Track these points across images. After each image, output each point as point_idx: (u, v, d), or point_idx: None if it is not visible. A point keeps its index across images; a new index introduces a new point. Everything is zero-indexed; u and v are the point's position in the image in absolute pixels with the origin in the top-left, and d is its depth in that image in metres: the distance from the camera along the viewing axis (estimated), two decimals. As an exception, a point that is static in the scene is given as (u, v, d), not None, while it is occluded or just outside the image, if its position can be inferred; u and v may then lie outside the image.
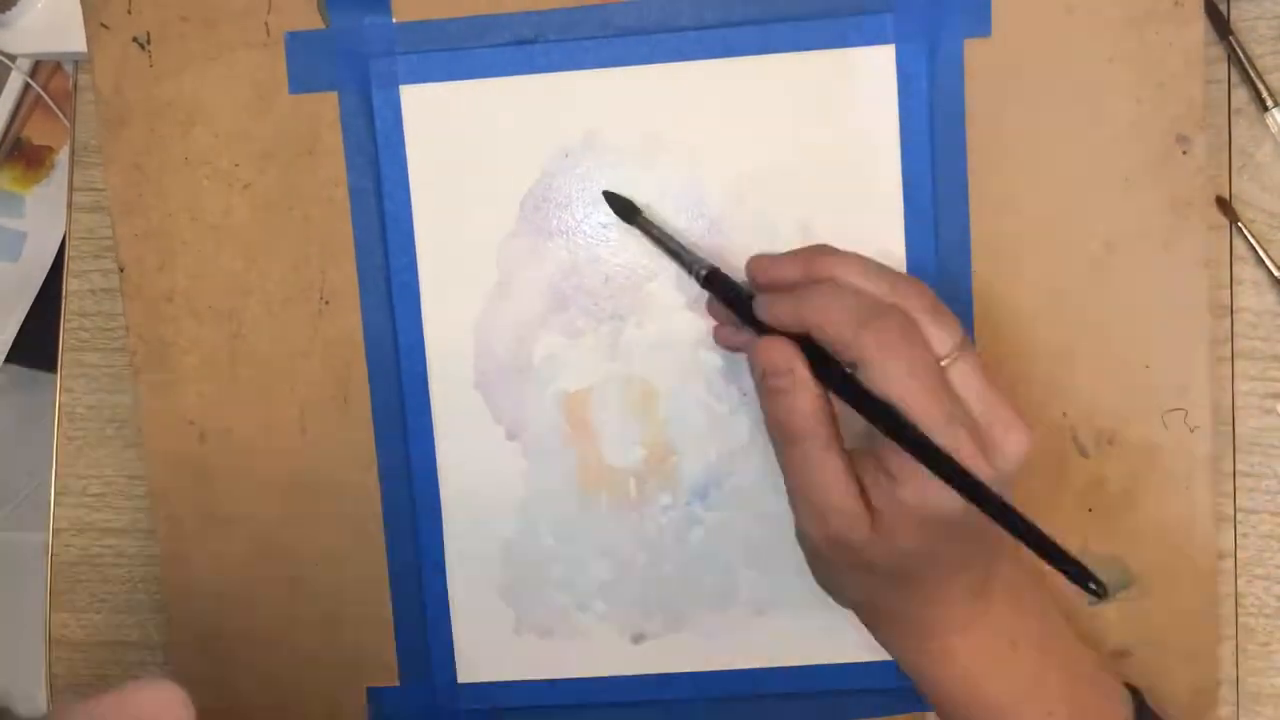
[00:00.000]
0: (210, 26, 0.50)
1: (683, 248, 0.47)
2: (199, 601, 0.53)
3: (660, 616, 0.51)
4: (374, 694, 0.52)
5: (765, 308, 0.42)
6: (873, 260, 0.42)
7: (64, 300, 0.56)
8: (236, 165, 0.50)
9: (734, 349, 0.48)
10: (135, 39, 0.50)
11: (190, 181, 0.51)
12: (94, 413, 0.56)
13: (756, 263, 0.44)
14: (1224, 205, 0.50)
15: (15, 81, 0.75)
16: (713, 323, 0.49)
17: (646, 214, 0.48)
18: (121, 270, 0.51)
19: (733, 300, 0.45)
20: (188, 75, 0.50)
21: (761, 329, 0.42)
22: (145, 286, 0.51)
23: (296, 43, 0.50)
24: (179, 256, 0.51)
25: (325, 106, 0.50)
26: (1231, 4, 0.50)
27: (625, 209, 0.48)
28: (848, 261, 0.42)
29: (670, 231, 0.48)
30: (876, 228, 0.49)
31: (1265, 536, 0.51)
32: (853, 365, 0.39)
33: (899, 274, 0.41)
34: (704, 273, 0.45)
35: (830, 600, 0.46)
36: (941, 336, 0.40)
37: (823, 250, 0.43)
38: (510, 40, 0.49)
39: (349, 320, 0.51)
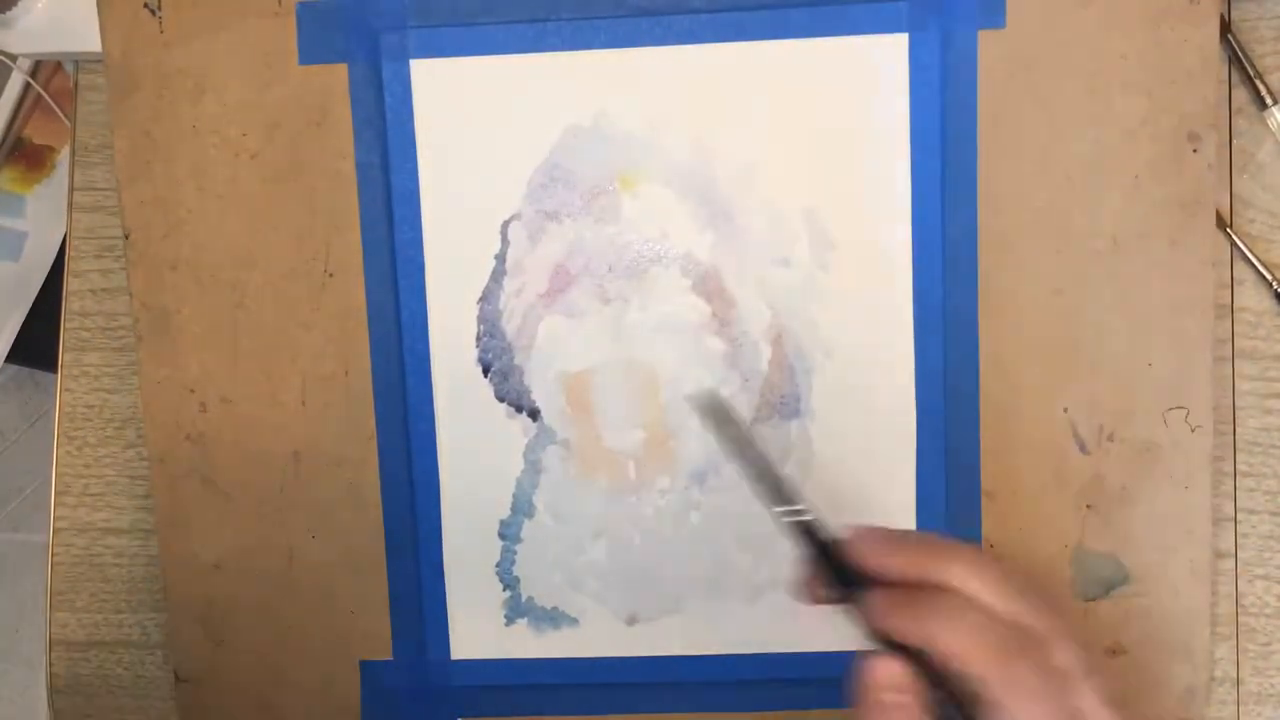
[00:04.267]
0: (222, -6, 0.50)
1: (781, 480, 0.40)
2: (195, 570, 0.53)
3: (654, 599, 0.51)
4: (367, 667, 0.52)
5: (881, 616, 0.36)
6: (996, 564, 0.36)
7: (64, 300, 0.56)
8: (244, 135, 0.50)
9: (820, 604, 0.40)
10: (146, 4, 0.50)
11: (197, 150, 0.51)
12: (94, 413, 0.56)
13: (865, 542, 0.38)
14: (1216, 215, 0.50)
15: (16, 81, 0.75)
16: (709, 310, 0.49)
17: (744, 427, 0.41)
18: (126, 237, 0.51)
19: (827, 563, 0.38)
20: (198, 43, 0.50)
21: (849, 597, 0.38)
22: (149, 254, 0.51)
23: (307, 13, 0.49)
24: (184, 225, 0.51)
25: (335, 78, 0.50)
26: (1232, 4, 0.50)
27: (718, 414, 0.42)
28: (973, 568, 0.36)
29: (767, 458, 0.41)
30: (883, 217, 0.49)
31: (1266, 536, 0.51)
32: (973, 698, 0.35)
33: (1027, 588, 0.36)
34: (806, 520, 0.39)
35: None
36: (1071, 664, 0.35)
37: (943, 548, 0.37)
38: (523, 17, 0.49)
39: (352, 294, 0.51)
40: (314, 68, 0.50)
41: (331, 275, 0.51)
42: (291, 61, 0.50)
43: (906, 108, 0.48)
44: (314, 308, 0.51)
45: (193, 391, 0.52)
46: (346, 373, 0.51)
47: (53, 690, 0.57)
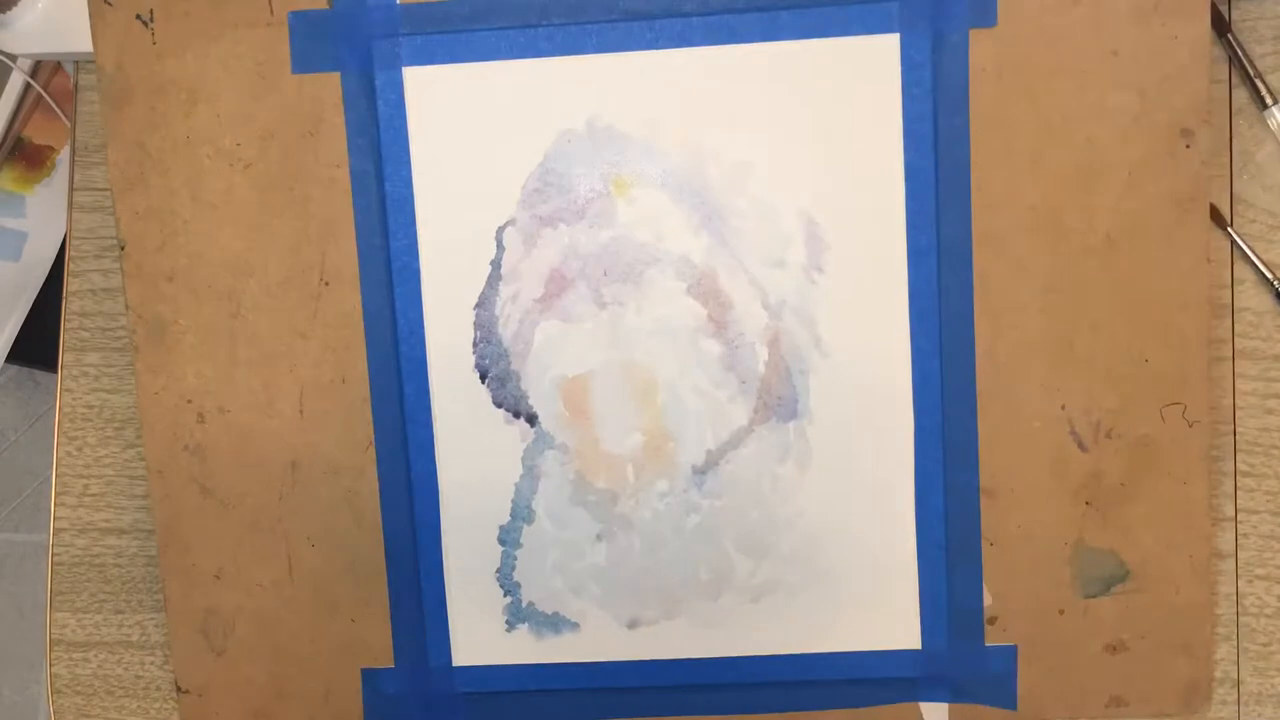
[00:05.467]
0: (214, 5, 0.50)
1: None
2: (196, 580, 0.53)
3: (656, 603, 0.51)
4: (369, 675, 0.52)
5: None
6: None
7: (64, 300, 0.56)
8: (238, 145, 0.50)
9: None
10: (138, 16, 0.50)
11: (192, 160, 0.51)
12: (94, 413, 0.56)
13: None
14: (1216, 214, 0.50)
15: (16, 81, 0.75)
16: (705, 312, 0.49)
17: None
18: (122, 248, 0.51)
19: None
20: (190, 53, 0.50)
21: None
22: (145, 265, 0.51)
23: (300, 22, 0.50)
24: (179, 235, 0.51)
25: (328, 87, 0.50)
26: (1232, 4, 0.50)
27: None
28: None
29: None
30: (878, 217, 0.49)
31: (1266, 537, 0.51)
32: None
33: None
34: None
35: (823, 587, 0.46)
36: None
37: None
38: (514, 23, 0.49)
39: (348, 302, 0.51)
40: (307, 77, 0.50)
41: (327, 284, 0.51)
42: (284, 71, 0.50)
43: (899, 108, 0.48)
44: (310, 316, 0.51)
45: (190, 402, 0.52)
46: (344, 381, 0.51)
47: (53, 690, 0.57)
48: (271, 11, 0.50)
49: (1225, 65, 0.51)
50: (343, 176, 0.50)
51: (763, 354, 0.50)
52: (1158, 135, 0.48)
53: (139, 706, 0.57)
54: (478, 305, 0.50)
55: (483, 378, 0.51)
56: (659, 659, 0.51)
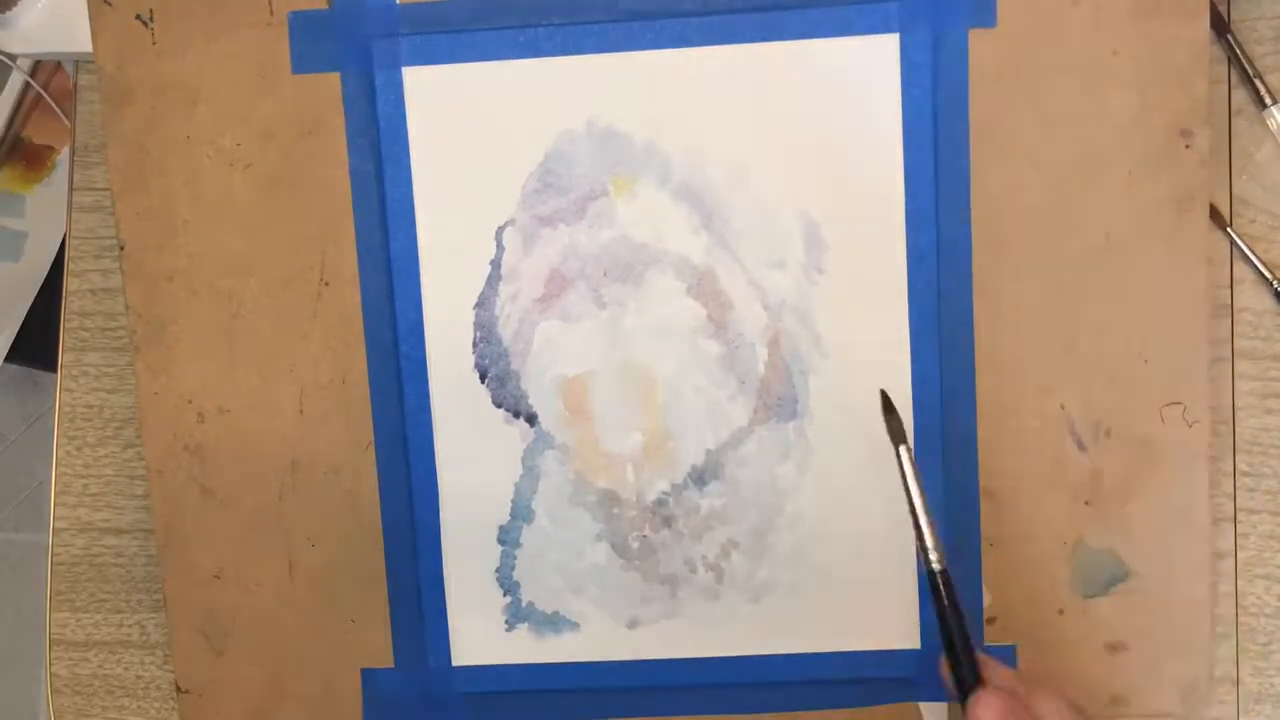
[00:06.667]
0: (213, 5, 0.50)
1: (930, 524, 0.43)
2: (195, 581, 0.53)
3: (655, 602, 0.51)
4: (368, 675, 0.52)
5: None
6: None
7: (64, 300, 0.56)
8: (238, 145, 0.50)
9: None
10: (138, 16, 0.50)
11: (191, 160, 0.51)
12: (94, 413, 0.56)
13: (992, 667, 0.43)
14: (1215, 215, 0.50)
15: (16, 81, 0.76)
16: (705, 313, 0.49)
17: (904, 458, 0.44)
18: (122, 248, 0.51)
19: (949, 614, 0.42)
20: (190, 54, 0.50)
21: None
22: (145, 265, 0.51)
23: (300, 22, 0.50)
24: (179, 235, 0.51)
25: (328, 87, 0.50)
26: (1231, 4, 0.50)
27: (895, 432, 0.44)
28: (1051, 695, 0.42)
29: (923, 499, 0.43)
30: (877, 217, 0.49)
31: (1265, 536, 0.51)
32: None
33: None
34: (937, 568, 0.42)
35: (823, 587, 0.46)
36: None
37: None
38: (514, 23, 0.49)
39: (348, 302, 0.51)
40: (307, 77, 0.50)
41: (327, 284, 0.51)
42: (284, 71, 0.50)
43: (899, 108, 0.48)
44: (310, 316, 0.51)
45: (190, 402, 0.52)
46: (344, 381, 0.51)
47: (53, 690, 0.57)
48: (271, 11, 0.50)
49: (1225, 65, 0.51)
50: (343, 176, 0.50)
51: (763, 354, 0.50)
52: (1157, 135, 0.48)
53: (138, 706, 0.57)
54: (478, 305, 0.50)
55: (483, 378, 0.51)
56: (659, 659, 0.51)
